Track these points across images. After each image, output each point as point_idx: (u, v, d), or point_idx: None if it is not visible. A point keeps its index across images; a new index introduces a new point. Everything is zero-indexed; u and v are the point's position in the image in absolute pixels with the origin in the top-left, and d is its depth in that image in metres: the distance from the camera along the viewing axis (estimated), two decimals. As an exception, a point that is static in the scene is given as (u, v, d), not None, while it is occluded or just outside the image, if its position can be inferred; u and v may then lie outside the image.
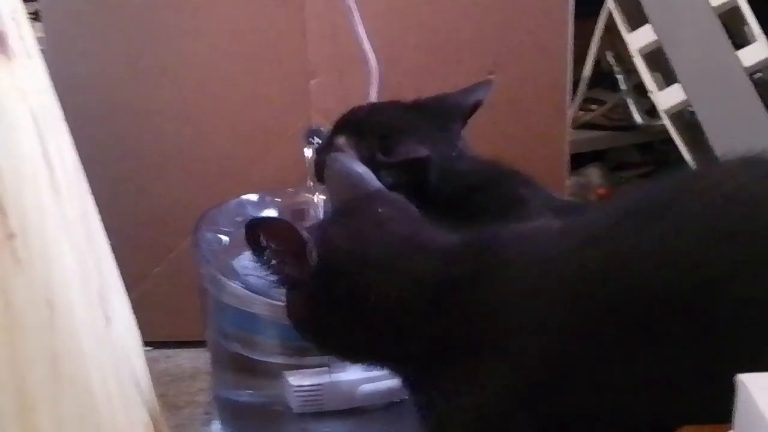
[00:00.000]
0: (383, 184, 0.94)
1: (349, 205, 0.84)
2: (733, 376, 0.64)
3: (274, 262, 0.77)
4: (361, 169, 0.88)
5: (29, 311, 0.39)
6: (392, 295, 0.76)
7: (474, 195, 1.00)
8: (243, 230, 0.77)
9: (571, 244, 0.74)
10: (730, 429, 0.69)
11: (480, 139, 1.09)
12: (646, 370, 0.71)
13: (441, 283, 0.75)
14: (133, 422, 0.65)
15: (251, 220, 0.77)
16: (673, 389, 0.72)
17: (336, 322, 0.79)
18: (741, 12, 1.47)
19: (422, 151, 0.97)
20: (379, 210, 0.81)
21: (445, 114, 1.05)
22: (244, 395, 1.13)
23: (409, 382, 0.80)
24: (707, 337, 0.70)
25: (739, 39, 1.48)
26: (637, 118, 1.86)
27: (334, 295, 0.77)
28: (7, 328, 0.35)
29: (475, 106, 1.07)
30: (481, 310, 0.74)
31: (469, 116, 1.08)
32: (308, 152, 1.13)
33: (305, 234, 0.77)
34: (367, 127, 1.03)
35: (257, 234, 0.76)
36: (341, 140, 1.03)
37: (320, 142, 1.11)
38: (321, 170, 1.04)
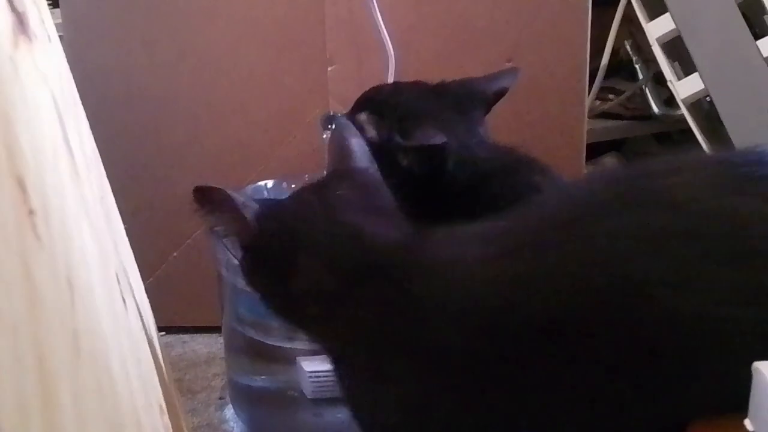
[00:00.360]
0: (400, 166, 0.95)
1: (322, 179, 0.87)
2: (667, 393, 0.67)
3: (217, 228, 0.83)
4: (355, 144, 0.89)
5: (50, 287, 0.40)
6: (314, 276, 0.79)
7: (490, 182, 0.99)
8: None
9: (488, 253, 0.75)
10: (745, 418, 0.69)
11: (497, 127, 1.09)
12: (559, 387, 0.71)
13: (363, 275, 0.77)
14: (151, 404, 0.66)
15: (195, 188, 0.81)
16: (598, 405, 0.71)
17: (272, 291, 0.84)
18: (761, 1, 1.46)
19: (439, 138, 0.96)
20: (339, 192, 0.83)
21: (468, 99, 1.05)
22: (259, 380, 1.14)
23: (332, 359, 0.83)
24: (634, 352, 0.68)
25: (759, 29, 1.47)
26: (655, 107, 1.85)
27: (268, 265, 0.82)
28: (28, 301, 0.36)
29: (500, 94, 1.07)
30: (394, 309, 0.75)
31: (493, 103, 1.07)
32: (326, 138, 1.14)
33: (240, 200, 0.81)
34: (388, 107, 1.03)
35: (198, 200, 0.81)
36: (363, 116, 1.03)
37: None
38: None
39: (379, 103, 1.05)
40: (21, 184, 0.39)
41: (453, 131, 1.00)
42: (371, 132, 1.02)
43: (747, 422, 0.68)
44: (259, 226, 0.82)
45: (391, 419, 0.79)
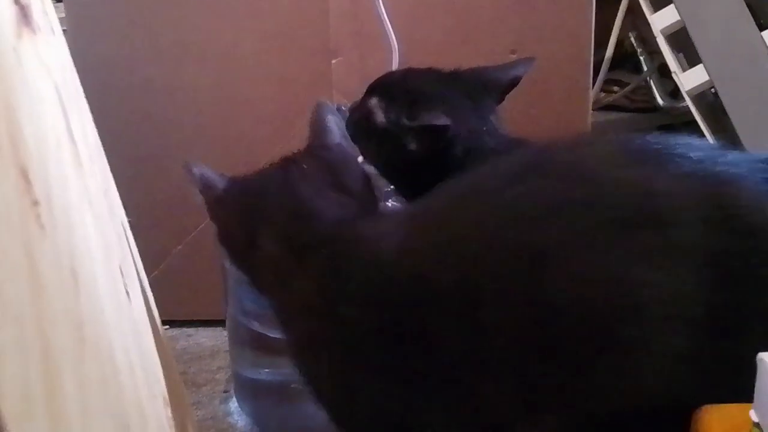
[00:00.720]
0: (409, 152, 0.95)
1: (292, 154, 0.93)
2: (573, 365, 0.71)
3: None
4: (330, 121, 0.95)
5: (54, 277, 0.40)
6: (269, 247, 0.86)
7: None
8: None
9: (406, 228, 0.81)
10: (751, 409, 0.69)
11: (503, 118, 1.09)
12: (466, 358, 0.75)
13: (306, 249, 0.83)
14: (155, 395, 0.66)
15: (183, 163, 0.93)
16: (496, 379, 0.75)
17: (237, 257, 0.93)
18: (766, -8, 1.46)
19: (443, 120, 0.96)
20: (305, 165, 0.90)
21: (480, 87, 1.05)
22: (263, 373, 1.14)
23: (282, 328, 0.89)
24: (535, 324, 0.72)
25: (764, 20, 1.46)
26: (660, 99, 1.85)
27: (233, 234, 0.91)
28: (32, 289, 0.35)
29: (513, 82, 1.07)
30: (326, 282, 0.81)
31: (507, 92, 1.07)
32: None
33: (214, 175, 0.92)
34: (398, 92, 1.03)
35: (186, 173, 0.92)
36: (373, 102, 1.03)
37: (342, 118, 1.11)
38: (351, 129, 1.05)
39: (390, 88, 1.04)
40: (24, 174, 0.39)
41: (463, 117, 1.00)
42: (380, 117, 1.02)
43: (752, 413, 0.68)
44: (227, 197, 0.91)
45: (325, 389, 0.85)
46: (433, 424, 0.81)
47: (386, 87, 1.05)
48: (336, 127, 0.96)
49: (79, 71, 0.75)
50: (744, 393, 0.68)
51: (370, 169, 1.04)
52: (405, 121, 0.98)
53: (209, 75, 1.32)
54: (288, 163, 0.92)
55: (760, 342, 0.68)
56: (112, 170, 0.82)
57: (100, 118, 0.79)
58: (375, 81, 1.07)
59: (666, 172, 0.73)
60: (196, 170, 0.93)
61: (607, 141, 0.80)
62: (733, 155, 0.78)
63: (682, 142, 0.78)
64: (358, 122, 1.05)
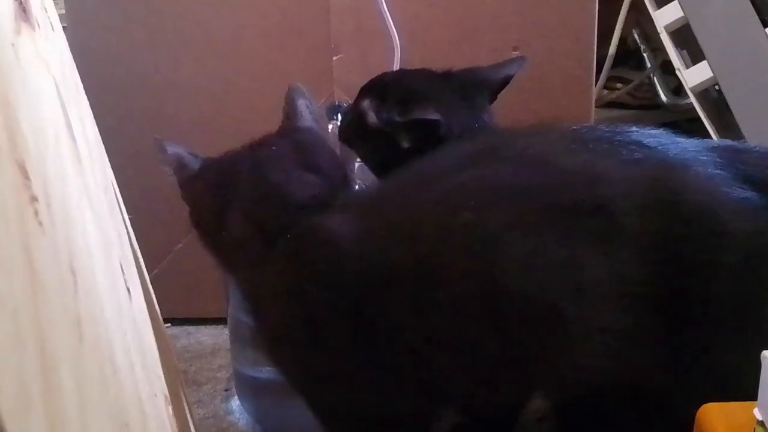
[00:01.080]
0: (402, 150, 0.95)
1: (264, 137, 0.95)
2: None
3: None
4: (301, 104, 0.98)
5: (52, 273, 0.39)
6: (238, 228, 0.88)
7: None
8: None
9: (359, 213, 0.83)
10: (755, 407, 0.68)
11: (504, 115, 1.08)
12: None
13: (273, 230, 0.85)
14: (155, 394, 0.65)
15: (154, 138, 0.95)
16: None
17: (207, 237, 0.94)
18: (770, -12, 1.45)
19: (433, 114, 0.96)
20: (274, 147, 0.92)
21: (472, 86, 1.05)
22: (264, 372, 1.13)
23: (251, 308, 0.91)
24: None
25: (768, 16, 1.46)
26: (663, 96, 1.84)
27: (204, 214, 0.93)
28: (30, 286, 0.35)
29: (505, 81, 1.07)
30: (289, 265, 0.83)
31: (499, 90, 1.07)
32: (331, 128, 1.13)
33: (188, 154, 0.94)
34: (391, 92, 1.03)
35: (157, 149, 0.95)
36: (365, 103, 1.03)
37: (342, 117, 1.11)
38: (344, 132, 1.05)
39: (382, 88, 1.04)
40: (23, 170, 0.38)
41: (454, 114, 1.00)
42: (372, 117, 1.02)
43: (756, 411, 0.68)
44: (199, 178, 0.93)
45: (296, 374, 0.88)
46: (399, 401, 0.83)
47: (377, 88, 1.05)
48: (307, 111, 0.98)
49: (78, 67, 0.75)
50: (689, 371, 0.75)
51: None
52: (397, 118, 0.98)
53: (209, 71, 1.32)
54: (259, 145, 0.94)
55: (701, 320, 0.74)
56: (113, 167, 0.82)
57: (100, 115, 0.78)
58: (366, 84, 1.07)
59: (614, 159, 0.76)
60: (169, 149, 0.94)
61: (560, 129, 0.83)
62: (684, 142, 0.80)
63: (636, 130, 0.80)
64: (351, 125, 1.05)
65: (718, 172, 0.76)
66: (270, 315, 0.87)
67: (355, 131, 1.05)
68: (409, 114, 0.97)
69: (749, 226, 0.74)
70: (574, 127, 0.83)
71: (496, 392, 0.83)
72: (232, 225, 0.89)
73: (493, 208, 0.75)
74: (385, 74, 1.11)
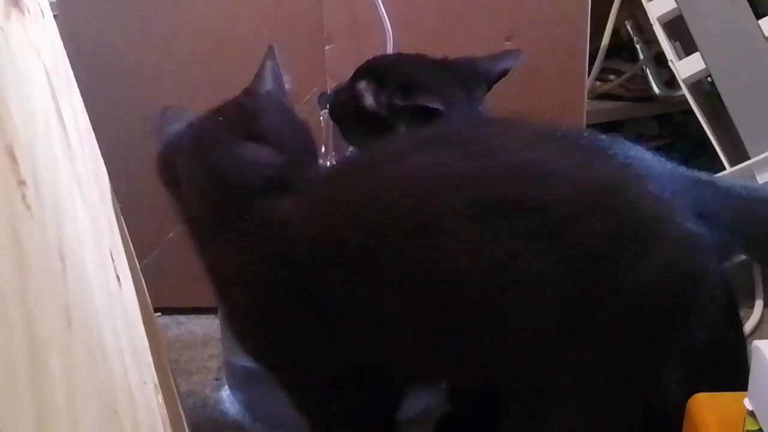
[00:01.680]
0: (395, 132, 0.96)
1: (220, 104, 0.95)
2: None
3: None
4: (268, 68, 0.97)
5: (41, 258, 0.39)
6: (189, 201, 0.89)
7: None
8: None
9: (312, 195, 0.83)
10: (745, 397, 0.69)
11: (496, 107, 1.08)
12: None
13: (221, 204, 0.86)
14: (145, 382, 0.65)
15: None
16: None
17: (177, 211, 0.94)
18: (763, -20, 1.45)
19: (436, 103, 0.96)
20: (221, 118, 0.92)
21: (472, 78, 1.05)
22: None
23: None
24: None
25: (761, 8, 1.45)
26: (656, 88, 1.84)
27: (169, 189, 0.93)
28: (17, 269, 0.35)
29: (502, 74, 1.08)
30: (238, 238, 0.85)
31: (495, 83, 1.07)
32: (323, 117, 1.13)
33: (168, 127, 0.95)
34: (390, 76, 1.02)
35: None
36: (362, 84, 1.03)
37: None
38: (336, 111, 1.05)
39: (382, 71, 1.04)
40: (10, 153, 0.38)
41: (455, 106, 1.00)
42: (369, 100, 1.01)
43: (746, 401, 0.68)
44: (164, 152, 0.93)
45: (259, 352, 0.90)
46: (358, 375, 0.85)
47: (376, 71, 1.04)
48: (270, 74, 0.97)
49: (70, 56, 0.75)
50: (604, 367, 0.75)
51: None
52: (397, 102, 0.98)
53: (202, 60, 1.31)
54: (212, 114, 0.94)
55: (612, 328, 0.74)
56: (104, 156, 0.82)
57: (91, 104, 0.78)
58: (363, 65, 1.07)
59: (568, 159, 0.75)
60: (165, 115, 0.97)
61: (525, 125, 0.82)
62: (653, 161, 0.78)
63: (603, 138, 0.79)
64: (345, 105, 1.04)
65: (675, 198, 0.74)
66: (230, 294, 0.89)
67: (348, 112, 1.05)
68: (411, 99, 0.97)
69: (688, 263, 0.73)
70: (535, 125, 0.82)
71: (437, 370, 0.86)
72: (188, 206, 0.90)
73: (435, 195, 0.75)
74: (382, 57, 1.10)
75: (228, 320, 0.93)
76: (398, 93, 0.99)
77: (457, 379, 0.95)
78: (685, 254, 0.73)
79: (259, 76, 0.97)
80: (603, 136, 0.80)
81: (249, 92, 0.96)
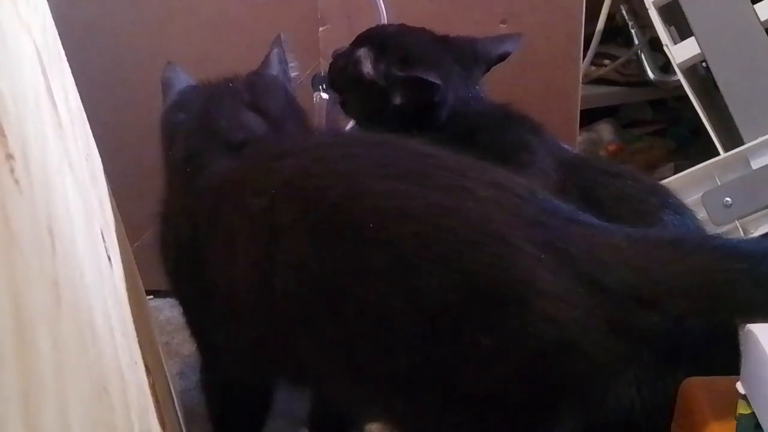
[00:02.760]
0: (392, 107, 0.95)
1: (232, 75, 1.01)
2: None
3: None
4: (274, 54, 1.03)
5: (29, 234, 0.38)
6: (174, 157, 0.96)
7: (479, 136, 0.99)
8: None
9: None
10: (737, 381, 0.69)
11: (491, 91, 1.09)
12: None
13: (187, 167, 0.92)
14: (136, 362, 0.65)
15: None
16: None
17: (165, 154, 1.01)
18: (759, -36, 1.44)
19: (435, 77, 0.96)
20: (231, 84, 0.98)
21: (471, 57, 1.05)
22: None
23: None
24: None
25: (757, -8, 1.45)
26: (651, 73, 1.84)
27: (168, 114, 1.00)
28: (5, 244, 0.34)
29: (501, 57, 1.08)
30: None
31: (493, 65, 1.08)
32: (317, 99, 1.12)
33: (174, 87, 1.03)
34: (391, 45, 1.02)
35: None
36: (362, 51, 1.03)
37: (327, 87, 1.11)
38: (334, 76, 1.05)
39: (381, 40, 1.04)
40: (-1, 127, 0.37)
41: (453, 84, 1.00)
42: (368, 67, 1.01)
43: (739, 385, 0.68)
44: (176, 102, 1.01)
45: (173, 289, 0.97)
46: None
47: (377, 39, 1.04)
48: (276, 60, 1.03)
49: (62, 37, 0.74)
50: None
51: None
52: (396, 72, 0.98)
53: (195, 41, 1.30)
54: (224, 81, 1.00)
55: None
56: (96, 138, 0.81)
57: (84, 86, 0.77)
58: (364, 32, 1.06)
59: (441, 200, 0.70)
60: (169, 71, 1.04)
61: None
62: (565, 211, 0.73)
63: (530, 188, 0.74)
64: (343, 71, 1.04)
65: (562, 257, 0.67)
66: (163, 232, 0.96)
67: (345, 78, 1.04)
68: (411, 70, 0.97)
69: (557, 333, 0.66)
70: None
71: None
72: (175, 147, 0.95)
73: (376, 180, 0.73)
74: (385, 26, 1.10)
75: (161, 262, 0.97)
76: (397, 63, 0.99)
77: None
78: (556, 324, 0.65)
79: (266, 61, 1.02)
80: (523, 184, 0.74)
81: (258, 73, 1.01)
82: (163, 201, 0.97)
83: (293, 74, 1.05)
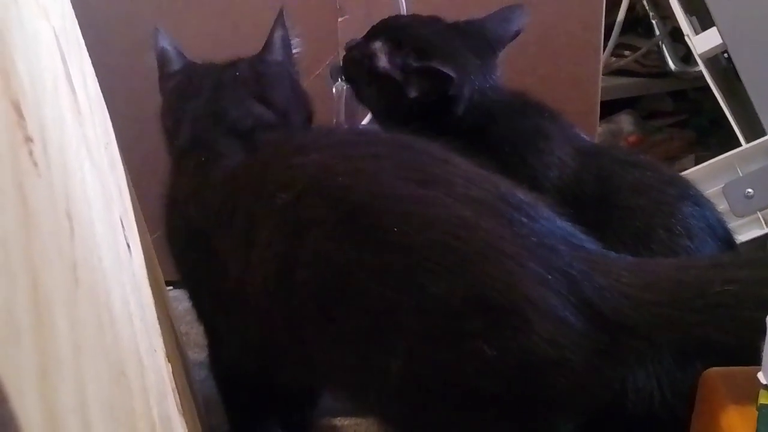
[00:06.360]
0: (407, 97, 0.94)
1: (237, 59, 1.03)
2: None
3: None
4: (278, 38, 1.04)
5: (47, 215, 0.39)
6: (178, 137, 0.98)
7: (497, 124, 0.99)
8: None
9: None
10: (758, 372, 0.68)
11: (510, 80, 1.08)
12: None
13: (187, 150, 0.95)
14: (155, 349, 0.65)
15: None
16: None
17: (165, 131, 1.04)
18: (782, -47, 1.42)
19: (450, 70, 0.96)
20: (237, 73, 1.00)
21: (485, 44, 1.04)
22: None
23: None
24: None
25: (780, -19, 1.43)
26: (672, 64, 1.82)
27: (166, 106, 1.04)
28: (22, 221, 0.34)
29: (515, 36, 1.06)
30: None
31: (507, 44, 1.07)
32: (335, 89, 1.12)
33: (162, 47, 1.05)
34: (406, 37, 1.02)
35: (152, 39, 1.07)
36: (377, 44, 1.02)
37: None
38: (349, 68, 1.04)
39: (396, 32, 1.03)
40: (17, 108, 0.37)
41: (469, 77, 0.99)
42: (383, 61, 1.01)
43: (760, 375, 0.67)
44: (176, 76, 1.04)
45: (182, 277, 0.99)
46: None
47: (392, 31, 1.04)
48: (280, 44, 1.03)
49: (81, 26, 0.74)
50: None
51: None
52: (411, 62, 0.97)
53: (213, 32, 1.30)
54: (229, 66, 1.01)
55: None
56: (115, 129, 0.81)
57: (102, 76, 0.77)
58: (378, 24, 1.06)
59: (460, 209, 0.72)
60: (160, 41, 1.04)
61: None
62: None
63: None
64: (358, 64, 1.03)
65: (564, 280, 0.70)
66: (167, 217, 0.97)
67: (360, 71, 1.04)
68: (426, 61, 0.96)
69: (553, 353, 0.69)
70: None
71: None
72: (181, 131, 0.96)
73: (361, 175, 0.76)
74: (398, 17, 1.09)
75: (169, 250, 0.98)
76: (413, 54, 0.98)
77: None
78: (554, 345, 0.68)
79: (269, 44, 1.02)
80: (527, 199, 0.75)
81: (262, 59, 1.01)
82: (169, 185, 0.97)
83: (295, 51, 1.06)
